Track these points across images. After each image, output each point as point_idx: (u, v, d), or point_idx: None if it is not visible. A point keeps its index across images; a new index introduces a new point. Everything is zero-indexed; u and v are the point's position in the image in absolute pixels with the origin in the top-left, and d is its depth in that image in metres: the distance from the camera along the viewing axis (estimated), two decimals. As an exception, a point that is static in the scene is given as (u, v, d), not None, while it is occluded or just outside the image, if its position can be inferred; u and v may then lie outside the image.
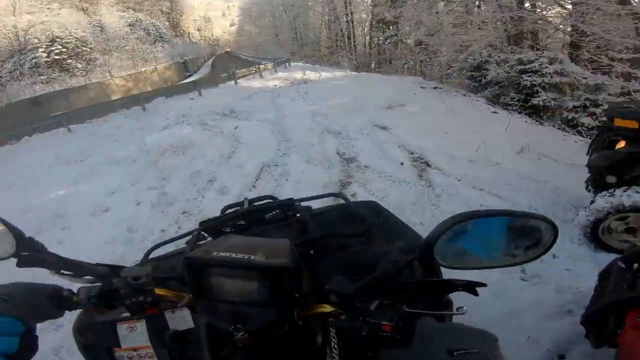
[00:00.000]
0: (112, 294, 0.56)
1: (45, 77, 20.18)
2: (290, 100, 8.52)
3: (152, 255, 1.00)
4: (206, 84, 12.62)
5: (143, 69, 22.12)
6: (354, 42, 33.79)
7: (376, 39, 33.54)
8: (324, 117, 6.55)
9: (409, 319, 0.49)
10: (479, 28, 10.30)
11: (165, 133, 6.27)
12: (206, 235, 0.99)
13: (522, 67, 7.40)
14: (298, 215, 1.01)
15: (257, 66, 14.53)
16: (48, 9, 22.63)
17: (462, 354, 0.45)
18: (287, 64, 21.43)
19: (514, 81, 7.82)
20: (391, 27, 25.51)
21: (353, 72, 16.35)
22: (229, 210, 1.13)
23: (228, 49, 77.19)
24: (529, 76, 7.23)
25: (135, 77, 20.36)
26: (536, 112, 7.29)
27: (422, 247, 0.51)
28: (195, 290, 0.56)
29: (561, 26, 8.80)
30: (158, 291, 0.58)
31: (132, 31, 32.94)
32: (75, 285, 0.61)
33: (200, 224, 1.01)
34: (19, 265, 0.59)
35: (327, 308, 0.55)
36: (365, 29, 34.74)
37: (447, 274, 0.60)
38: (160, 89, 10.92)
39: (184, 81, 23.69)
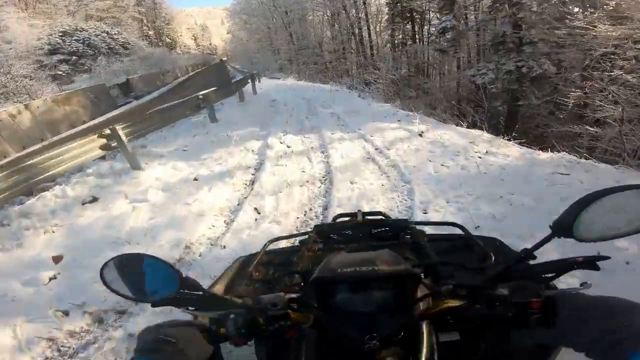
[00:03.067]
0: (254, 323, 0.55)
1: None
2: None
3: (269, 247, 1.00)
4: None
5: (-7, 109, 11.62)
6: (370, 42, 23.07)
7: (396, 38, 22.82)
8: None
9: (551, 298, 0.48)
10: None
11: None
12: (318, 238, 1.00)
13: None
14: (408, 237, 0.97)
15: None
16: None
17: (615, 329, 0.41)
18: (258, 80, 11.62)
19: None
20: (446, 15, 14.17)
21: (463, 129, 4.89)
22: (342, 219, 1.13)
23: (224, 58, 67.61)
24: None
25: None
26: None
27: (559, 226, 0.49)
28: (324, 307, 0.57)
29: None
30: (290, 314, 0.56)
31: (65, 43, 23.07)
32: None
33: (315, 227, 1.03)
34: (162, 304, 0.54)
35: (453, 303, 0.54)
36: (382, 24, 24.01)
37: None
38: None
39: (95, 121, 13.50)
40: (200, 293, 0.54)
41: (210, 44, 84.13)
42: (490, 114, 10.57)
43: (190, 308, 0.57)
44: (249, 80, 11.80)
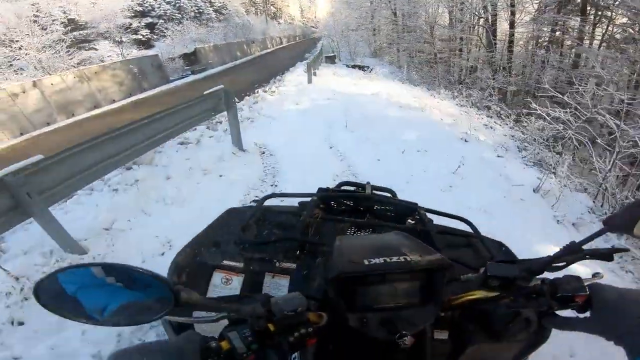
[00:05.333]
0: (265, 332, 0.44)
1: None
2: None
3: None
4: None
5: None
6: (511, 36, 15.00)
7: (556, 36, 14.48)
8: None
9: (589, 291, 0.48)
10: None
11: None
12: (320, 203, 0.92)
13: None
14: (413, 222, 0.90)
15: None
16: None
17: None
18: (313, 73, 7.97)
19: None
20: None
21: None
22: (347, 187, 1.05)
23: (321, 35, 62.99)
24: None
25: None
26: None
27: (614, 222, 0.48)
28: (346, 304, 0.49)
29: None
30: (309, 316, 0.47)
31: (178, 10, 22.07)
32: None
33: (319, 190, 0.94)
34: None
35: (479, 294, 0.52)
36: (534, 13, 15.47)
37: None
38: None
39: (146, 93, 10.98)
40: (198, 304, 0.43)
41: (315, 17, 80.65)
42: None
43: (179, 318, 0.48)
44: (222, 105, 3.78)
